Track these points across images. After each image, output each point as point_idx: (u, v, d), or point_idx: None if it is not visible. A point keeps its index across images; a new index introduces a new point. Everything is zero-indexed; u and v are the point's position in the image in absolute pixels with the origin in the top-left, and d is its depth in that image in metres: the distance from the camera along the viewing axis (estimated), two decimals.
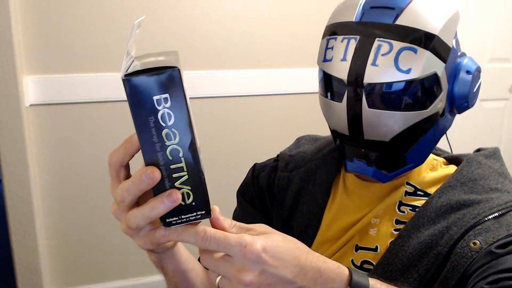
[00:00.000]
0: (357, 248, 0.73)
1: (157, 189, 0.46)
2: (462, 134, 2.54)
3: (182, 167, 0.45)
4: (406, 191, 0.73)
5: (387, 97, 0.65)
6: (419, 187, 0.73)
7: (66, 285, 2.04)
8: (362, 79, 0.64)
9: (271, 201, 0.87)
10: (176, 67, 0.42)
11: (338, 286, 0.50)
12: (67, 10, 1.82)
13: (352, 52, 0.65)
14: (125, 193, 0.46)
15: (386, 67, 0.63)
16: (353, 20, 0.67)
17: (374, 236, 0.72)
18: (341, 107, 0.67)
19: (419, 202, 0.71)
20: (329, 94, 0.71)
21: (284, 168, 0.86)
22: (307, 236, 0.79)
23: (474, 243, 0.61)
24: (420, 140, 0.68)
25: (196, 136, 0.45)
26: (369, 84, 0.64)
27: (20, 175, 1.81)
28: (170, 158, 0.45)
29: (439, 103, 0.67)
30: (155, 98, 0.42)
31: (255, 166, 0.91)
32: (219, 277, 0.48)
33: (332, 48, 0.68)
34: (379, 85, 0.64)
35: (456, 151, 0.80)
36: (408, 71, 0.63)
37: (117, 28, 1.87)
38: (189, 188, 0.46)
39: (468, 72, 0.68)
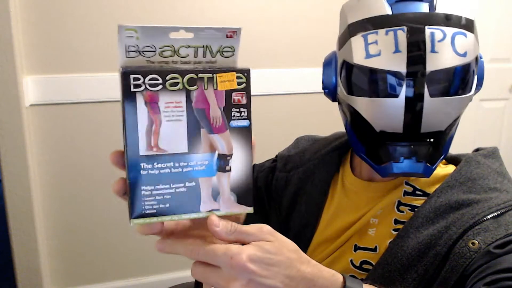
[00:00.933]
0: (356, 248, 0.73)
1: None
2: (462, 134, 2.54)
3: (125, 161, 0.46)
4: (405, 191, 0.73)
5: (448, 84, 0.65)
6: (418, 187, 0.73)
7: (66, 285, 2.04)
8: (424, 68, 0.63)
9: (269, 202, 0.87)
10: (125, 69, 0.44)
11: None
12: (67, 10, 1.82)
13: (404, 42, 0.63)
14: None
15: (447, 53, 0.63)
16: (388, 13, 0.65)
17: (373, 236, 0.72)
18: (397, 103, 0.64)
19: (418, 202, 0.71)
20: (378, 91, 0.66)
21: (282, 169, 0.86)
22: (304, 236, 0.79)
23: (473, 243, 0.61)
24: (456, 126, 0.70)
25: (145, 144, 0.45)
26: (432, 71, 0.63)
27: (20, 175, 1.80)
28: (124, 146, 0.46)
29: (474, 86, 0.68)
30: (120, 93, 0.46)
31: (253, 167, 0.91)
32: None
33: (375, 42, 0.65)
34: (442, 71, 0.64)
35: (456, 151, 0.80)
36: (465, 55, 0.64)
37: (116, 28, 1.87)
38: (127, 184, 0.46)
39: (480, 57, 0.70)
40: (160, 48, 0.46)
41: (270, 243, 0.48)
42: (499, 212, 0.64)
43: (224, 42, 0.48)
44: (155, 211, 0.47)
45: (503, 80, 2.66)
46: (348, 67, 0.69)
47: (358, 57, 0.66)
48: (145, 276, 2.12)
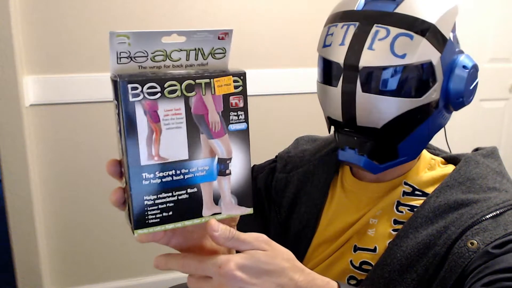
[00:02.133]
0: (356, 248, 0.73)
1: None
2: (462, 134, 2.54)
3: (125, 171, 0.46)
4: (404, 191, 0.73)
5: (381, 82, 0.66)
6: (417, 187, 0.73)
7: (66, 285, 2.04)
8: (358, 63, 0.65)
9: (269, 203, 0.86)
10: (122, 79, 0.43)
11: None
12: (67, 10, 1.82)
13: (350, 37, 0.66)
14: None
15: (382, 51, 0.64)
16: (355, 9, 0.68)
17: (372, 237, 0.72)
18: (336, 91, 0.68)
19: (417, 202, 0.71)
20: (326, 79, 0.72)
21: (282, 169, 0.86)
22: (305, 236, 0.79)
23: (472, 243, 0.61)
24: (414, 132, 0.68)
25: (151, 154, 0.45)
26: (364, 67, 0.65)
27: (20, 175, 1.81)
28: (122, 155, 0.46)
29: (433, 94, 0.67)
30: (114, 102, 0.46)
31: (253, 167, 0.91)
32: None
33: (332, 34, 0.69)
34: (374, 68, 0.65)
35: (456, 151, 0.80)
36: (403, 56, 0.63)
37: (117, 28, 1.87)
38: (127, 195, 0.46)
39: (464, 67, 0.68)
40: (152, 53, 0.46)
41: (263, 252, 0.48)
42: (498, 212, 0.64)
43: (216, 44, 0.48)
44: (158, 220, 0.47)
45: (503, 80, 2.66)
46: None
47: (319, 46, 0.72)
48: (145, 276, 2.12)
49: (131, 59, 0.45)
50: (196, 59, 0.48)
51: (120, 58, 0.44)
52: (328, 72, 0.71)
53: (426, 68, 0.66)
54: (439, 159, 0.78)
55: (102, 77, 1.89)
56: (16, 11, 1.74)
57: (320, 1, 2.10)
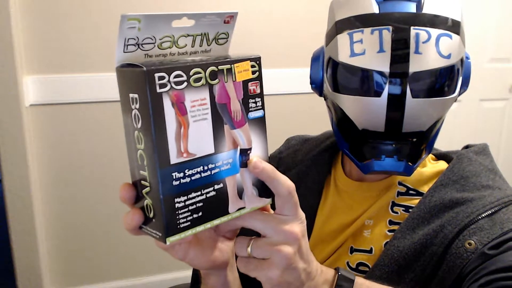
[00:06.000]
0: (352, 250, 0.73)
1: (137, 194, 0.45)
2: (462, 134, 2.54)
3: (146, 176, 0.43)
4: (398, 191, 0.73)
5: (430, 85, 0.65)
6: (411, 187, 0.73)
7: (66, 285, 2.04)
8: (407, 69, 0.63)
9: None
10: (147, 67, 0.39)
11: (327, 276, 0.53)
12: (67, 10, 1.82)
13: (389, 42, 0.63)
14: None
15: (430, 54, 0.63)
16: (375, 12, 0.65)
17: (368, 238, 0.72)
18: (379, 101, 0.64)
19: (412, 202, 0.71)
20: (362, 90, 0.66)
21: None
22: None
23: (470, 243, 0.61)
24: (440, 126, 0.70)
25: (180, 150, 0.42)
26: (415, 73, 0.63)
27: (20, 175, 1.81)
28: (139, 162, 0.43)
29: (458, 86, 0.68)
30: (130, 95, 0.41)
31: None
32: (251, 245, 0.48)
33: (361, 41, 0.65)
34: (424, 73, 0.63)
35: None
36: (449, 57, 0.64)
37: (117, 28, 1.88)
38: (151, 202, 0.43)
39: (467, 57, 0.70)
40: (160, 39, 0.43)
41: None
42: (493, 210, 0.64)
43: (221, 29, 0.46)
44: (189, 223, 0.44)
45: (503, 80, 2.66)
46: (334, 64, 0.69)
47: (343, 55, 0.66)
48: (145, 276, 2.12)
49: (138, 47, 0.42)
50: (201, 45, 0.46)
51: (128, 45, 0.41)
52: (365, 82, 0.66)
53: (460, 65, 0.67)
54: (429, 155, 0.78)
55: (102, 77, 1.89)
56: (16, 11, 1.74)
57: (321, 1, 2.10)
